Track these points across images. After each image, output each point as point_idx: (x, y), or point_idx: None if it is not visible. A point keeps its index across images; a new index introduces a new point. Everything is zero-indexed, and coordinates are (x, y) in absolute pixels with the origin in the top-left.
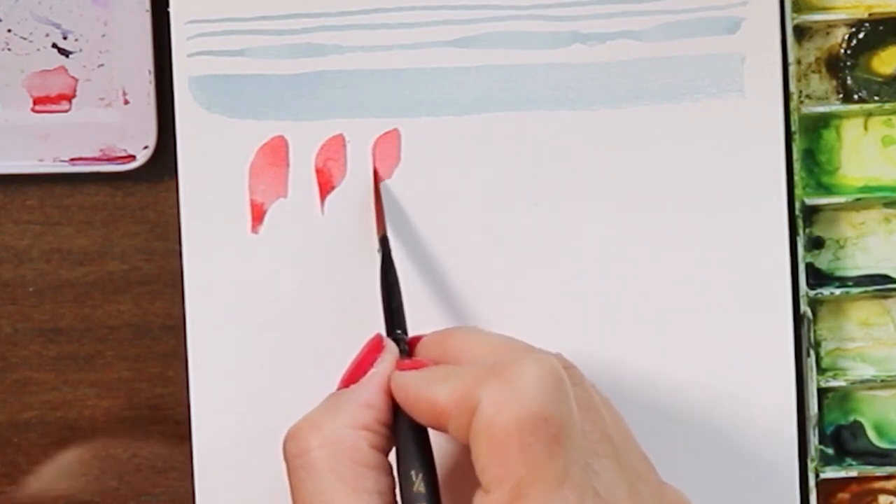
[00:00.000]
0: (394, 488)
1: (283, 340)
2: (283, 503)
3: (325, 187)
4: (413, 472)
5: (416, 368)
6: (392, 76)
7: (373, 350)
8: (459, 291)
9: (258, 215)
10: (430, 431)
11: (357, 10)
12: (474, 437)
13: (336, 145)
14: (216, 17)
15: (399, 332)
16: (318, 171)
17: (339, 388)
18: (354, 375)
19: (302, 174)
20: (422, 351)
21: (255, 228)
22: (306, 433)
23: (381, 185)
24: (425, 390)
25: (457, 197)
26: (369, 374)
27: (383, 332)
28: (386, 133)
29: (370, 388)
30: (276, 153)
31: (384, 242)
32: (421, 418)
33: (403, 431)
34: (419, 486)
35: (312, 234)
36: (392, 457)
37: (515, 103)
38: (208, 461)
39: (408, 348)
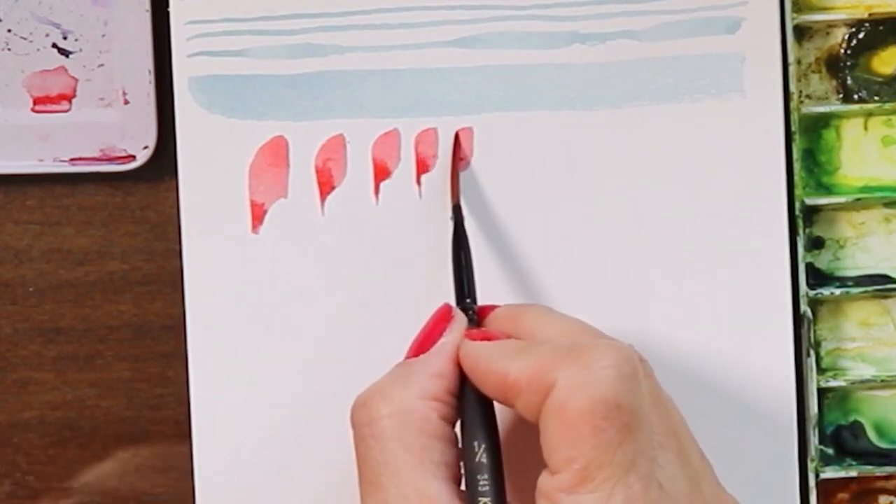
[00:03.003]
0: (459, 459)
1: (283, 340)
2: (283, 503)
3: (326, 187)
4: (476, 444)
5: (486, 339)
6: (392, 76)
7: (441, 319)
8: (449, 289)
9: (258, 215)
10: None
11: (357, 10)
12: (546, 417)
13: (336, 145)
14: (216, 17)
15: (468, 300)
16: (318, 172)
17: (407, 358)
18: (424, 345)
19: (302, 174)
20: (492, 323)
21: (255, 229)
22: (376, 402)
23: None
24: (497, 363)
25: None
26: (439, 343)
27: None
28: (386, 133)
29: (440, 358)
30: (276, 153)
31: (457, 210)
32: (489, 391)
33: (469, 402)
34: (481, 456)
35: (313, 234)
36: (458, 428)
37: (515, 103)
38: (208, 461)
39: (476, 318)
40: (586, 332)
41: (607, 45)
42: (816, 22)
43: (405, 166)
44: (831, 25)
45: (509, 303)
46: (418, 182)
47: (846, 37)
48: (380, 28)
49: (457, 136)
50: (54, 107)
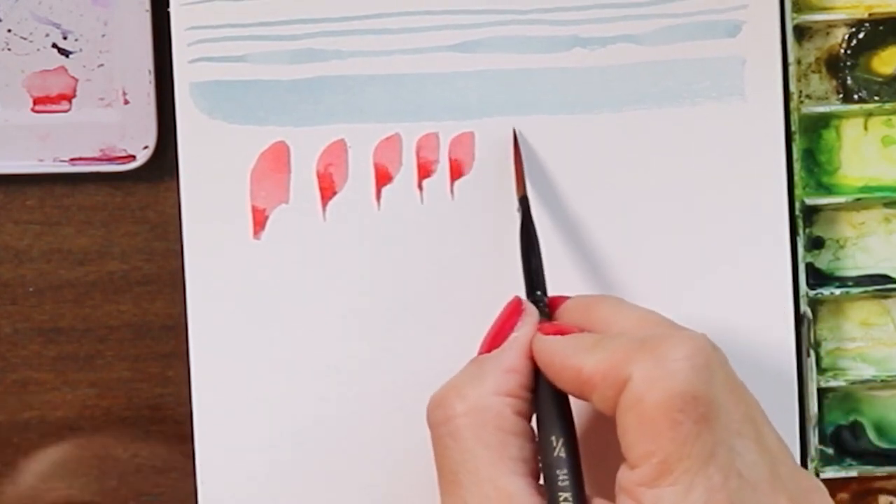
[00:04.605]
0: (537, 455)
1: (284, 344)
2: (285, 502)
3: (327, 193)
4: (554, 438)
5: (558, 333)
6: (393, 81)
7: (513, 314)
8: (451, 294)
9: (260, 221)
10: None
11: (358, 15)
12: (622, 412)
13: (337, 150)
14: (217, 23)
15: (539, 293)
16: (320, 177)
17: (479, 353)
18: (496, 340)
19: (303, 180)
20: (564, 315)
21: (257, 234)
22: (452, 400)
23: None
24: (572, 358)
25: (458, 200)
26: (511, 338)
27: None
28: (387, 138)
29: (512, 354)
30: (277, 159)
31: (524, 202)
32: (564, 386)
33: (544, 396)
34: (560, 451)
35: (314, 239)
36: (533, 422)
37: (516, 107)
38: (210, 462)
39: (548, 310)
40: (659, 323)
41: (608, 49)
42: (816, 22)
43: (407, 171)
44: (831, 25)
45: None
46: (420, 187)
47: (846, 37)
48: (381, 33)
49: (514, 132)
50: (54, 107)
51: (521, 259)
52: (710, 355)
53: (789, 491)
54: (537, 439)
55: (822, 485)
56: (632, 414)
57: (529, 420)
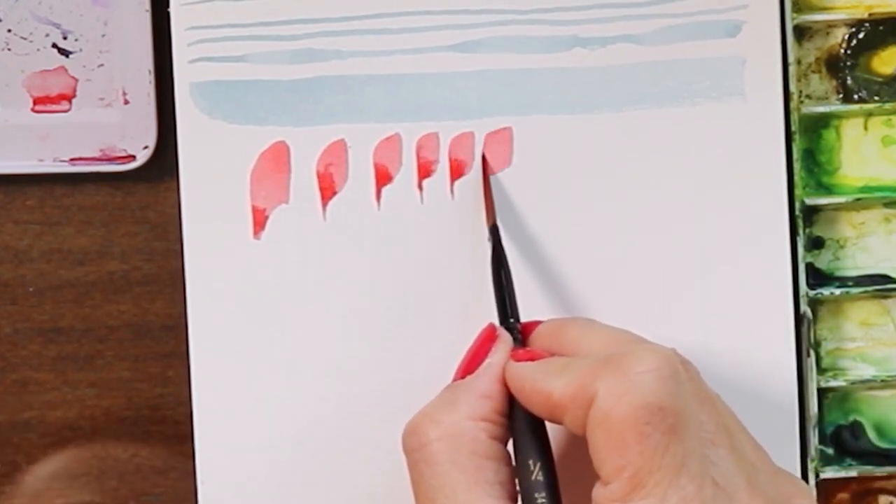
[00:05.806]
0: (514, 478)
1: (284, 344)
2: (285, 503)
3: (327, 192)
4: (531, 462)
5: (531, 359)
6: (393, 81)
7: (486, 340)
8: (450, 294)
9: (260, 221)
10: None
11: (358, 15)
12: (592, 430)
13: (337, 150)
14: (217, 23)
15: (512, 320)
16: (320, 177)
17: (454, 380)
18: (470, 366)
19: (303, 179)
20: (536, 340)
21: (257, 234)
22: (425, 427)
23: (491, 177)
24: (541, 383)
25: (458, 200)
26: (484, 364)
27: (483, 322)
28: (387, 138)
29: (486, 379)
30: (277, 159)
31: (494, 231)
32: (536, 410)
33: (520, 421)
34: (537, 474)
35: (314, 239)
36: (510, 446)
37: (516, 107)
38: (210, 462)
39: (521, 336)
40: (629, 341)
41: (608, 49)
42: (816, 22)
43: (407, 171)
44: (831, 25)
45: (550, 317)
46: (420, 187)
47: (846, 37)
48: (381, 33)
49: (484, 157)
50: (54, 107)
51: (494, 287)
52: (676, 367)
53: (769, 496)
54: (515, 463)
55: (806, 488)
56: (600, 430)
57: (505, 444)
